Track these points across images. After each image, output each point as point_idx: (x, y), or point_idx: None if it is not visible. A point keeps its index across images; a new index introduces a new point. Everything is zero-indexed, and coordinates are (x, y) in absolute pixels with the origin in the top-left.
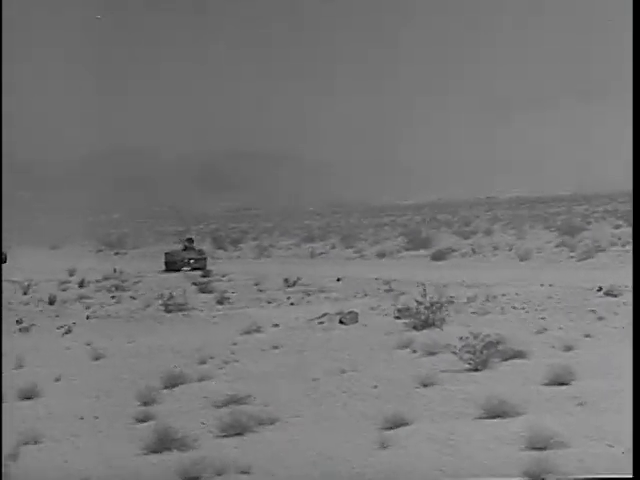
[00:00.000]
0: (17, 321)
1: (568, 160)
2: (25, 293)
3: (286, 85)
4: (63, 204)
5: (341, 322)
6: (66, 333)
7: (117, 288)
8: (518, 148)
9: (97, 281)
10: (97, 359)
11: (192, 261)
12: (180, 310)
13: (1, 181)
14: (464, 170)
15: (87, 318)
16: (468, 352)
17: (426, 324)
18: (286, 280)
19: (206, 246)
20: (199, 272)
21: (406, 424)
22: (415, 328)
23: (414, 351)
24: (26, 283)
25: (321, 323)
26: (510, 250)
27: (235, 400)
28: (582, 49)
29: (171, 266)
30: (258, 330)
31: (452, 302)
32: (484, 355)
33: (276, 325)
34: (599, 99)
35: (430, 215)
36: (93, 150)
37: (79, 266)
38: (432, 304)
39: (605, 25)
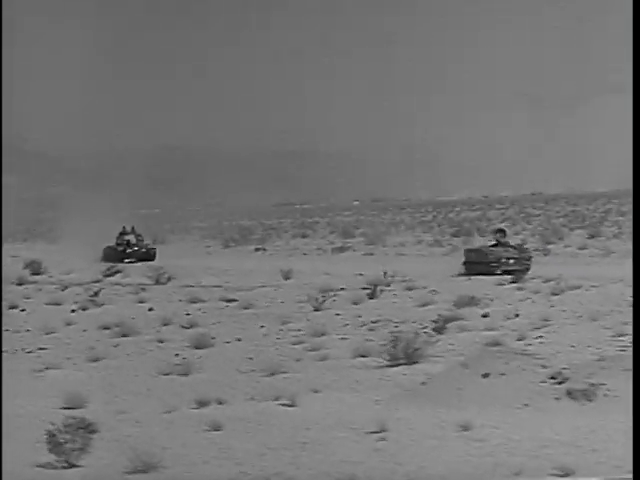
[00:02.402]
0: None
1: (607, 158)
2: (317, 309)
3: (319, 83)
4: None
5: None
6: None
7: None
8: (551, 146)
9: (362, 288)
10: None
11: (511, 261)
12: None
13: (1, 181)
14: (497, 166)
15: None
16: None
17: None
18: None
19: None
20: (509, 276)
21: None
22: None
23: None
24: (319, 296)
25: None
26: None
27: None
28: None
29: (478, 268)
30: None
31: None
32: None
33: None
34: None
35: (517, 210)
36: (138, 147)
37: (254, 266)
38: None
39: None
